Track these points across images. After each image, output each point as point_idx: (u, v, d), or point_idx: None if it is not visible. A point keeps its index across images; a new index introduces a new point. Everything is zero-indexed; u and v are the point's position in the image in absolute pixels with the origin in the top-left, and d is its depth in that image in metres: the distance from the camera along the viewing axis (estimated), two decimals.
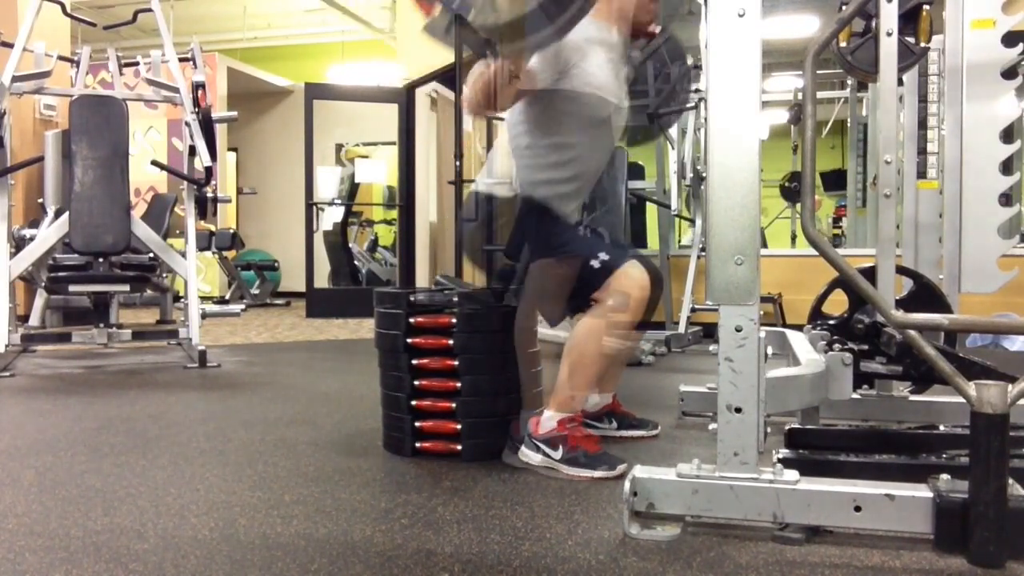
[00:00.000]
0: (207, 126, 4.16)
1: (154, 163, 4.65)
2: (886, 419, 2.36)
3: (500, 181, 2.20)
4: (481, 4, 1.58)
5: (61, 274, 4.12)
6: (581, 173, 2.16)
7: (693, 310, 4.94)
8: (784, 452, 1.81)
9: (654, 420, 2.48)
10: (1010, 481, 1.40)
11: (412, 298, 2.17)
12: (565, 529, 1.59)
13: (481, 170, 2.23)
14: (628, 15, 2.19)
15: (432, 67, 6.60)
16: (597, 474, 1.93)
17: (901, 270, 2.40)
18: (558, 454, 1.98)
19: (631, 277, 1.99)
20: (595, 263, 2.02)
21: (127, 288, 4.12)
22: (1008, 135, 2.17)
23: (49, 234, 4.03)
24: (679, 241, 6.65)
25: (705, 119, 1.63)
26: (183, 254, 4.17)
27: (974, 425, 1.39)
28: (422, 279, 7.22)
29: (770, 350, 2.46)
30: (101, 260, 3.93)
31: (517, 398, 2.14)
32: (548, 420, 2.03)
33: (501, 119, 2.38)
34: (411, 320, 2.16)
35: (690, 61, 5.20)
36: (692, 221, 5.40)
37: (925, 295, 2.35)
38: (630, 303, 1.98)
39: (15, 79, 3.94)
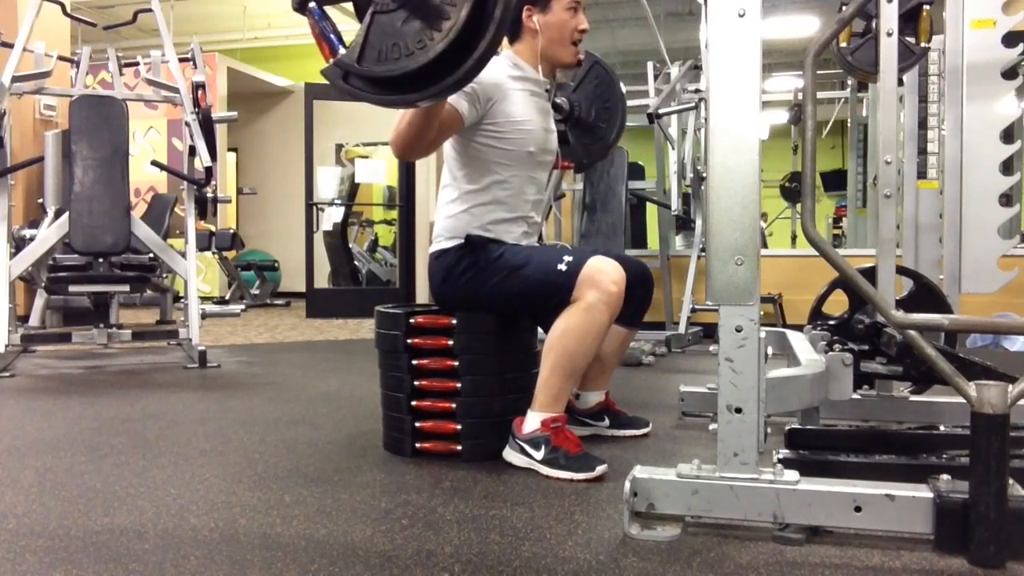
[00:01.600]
0: (207, 126, 4.16)
1: (154, 163, 4.65)
2: (886, 419, 2.36)
3: (443, 238, 2.22)
4: (372, 61, 1.58)
5: (61, 274, 4.12)
6: (519, 205, 2.20)
7: (693, 310, 4.94)
8: (784, 452, 1.81)
9: (646, 418, 2.48)
10: (1010, 481, 1.40)
11: (411, 320, 2.17)
12: (565, 529, 1.59)
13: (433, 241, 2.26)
14: (551, 55, 2.23)
15: None
16: (577, 476, 1.93)
17: (901, 270, 2.41)
18: (539, 454, 1.98)
19: (600, 270, 2.00)
20: (561, 266, 2.03)
21: (127, 288, 4.12)
22: (1008, 135, 2.17)
23: (49, 234, 4.03)
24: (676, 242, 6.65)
25: (705, 119, 1.62)
26: (183, 254, 4.17)
27: (974, 425, 1.39)
28: (422, 280, 7.22)
29: (770, 350, 2.46)
30: (101, 260, 3.93)
31: (517, 398, 2.14)
32: (531, 420, 2.03)
33: None
34: (411, 320, 2.16)
35: (689, 63, 5.22)
36: (692, 221, 5.40)
37: (925, 295, 2.35)
38: (605, 298, 1.98)
39: (15, 79, 3.94)
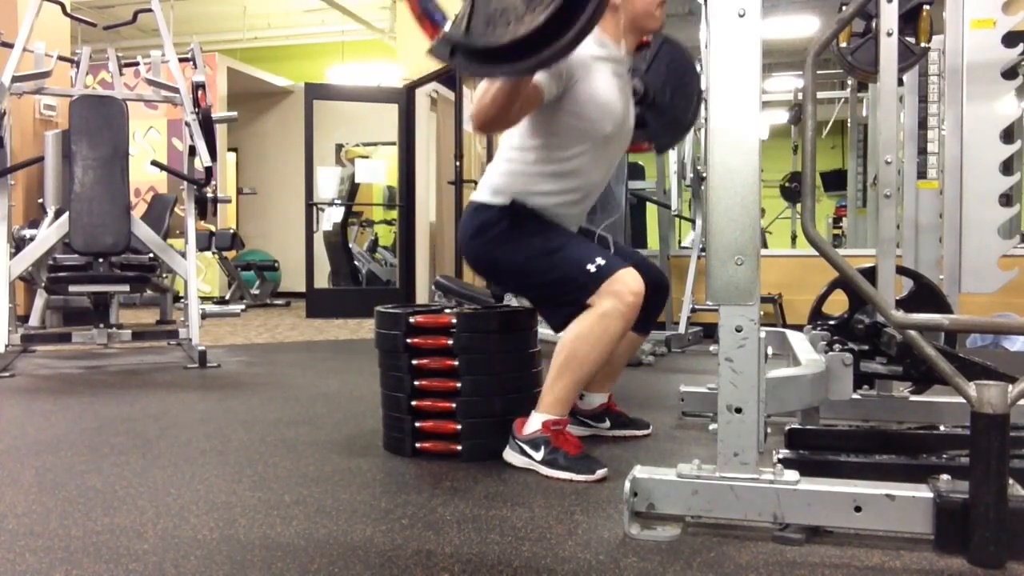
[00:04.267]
0: (207, 126, 4.16)
1: (154, 163, 4.65)
2: (886, 419, 2.36)
3: (489, 190, 2.18)
4: (481, 28, 1.57)
5: (61, 274, 4.12)
6: (581, 186, 2.16)
7: (693, 310, 4.94)
8: (784, 452, 1.81)
9: (647, 419, 2.48)
10: (1010, 481, 1.40)
11: (411, 320, 2.16)
12: (565, 529, 1.59)
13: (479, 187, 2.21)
14: (637, 26, 2.18)
15: (432, 67, 6.61)
16: (576, 477, 1.92)
17: (901, 270, 2.41)
18: (539, 455, 1.98)
19: (626, 283, 1.97)
20: (591, 267, 2.00)
21: (127, 288, 4.12)
22: (1008, 135, 2.17)
23: (49, 234, 4.03)
24: (679, 242, 6.65)
25: (705, 119, 1.63)
26: (183, 254, 4.17)
27: (974, 425, 1.39)
28: (422, 280, 7.22)
29: (770, 350, 2.46)
30: (101, 260, 3.93)
31: (517, 398, 2.14)
32: (533, 421, 2.02)
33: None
34: (411, 320, 2.16)
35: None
36: (693, 221, 5.40)
37: (925, 295, 2.35)
38: (623, 308, 1.96)
39: (15, 79, 3.94)
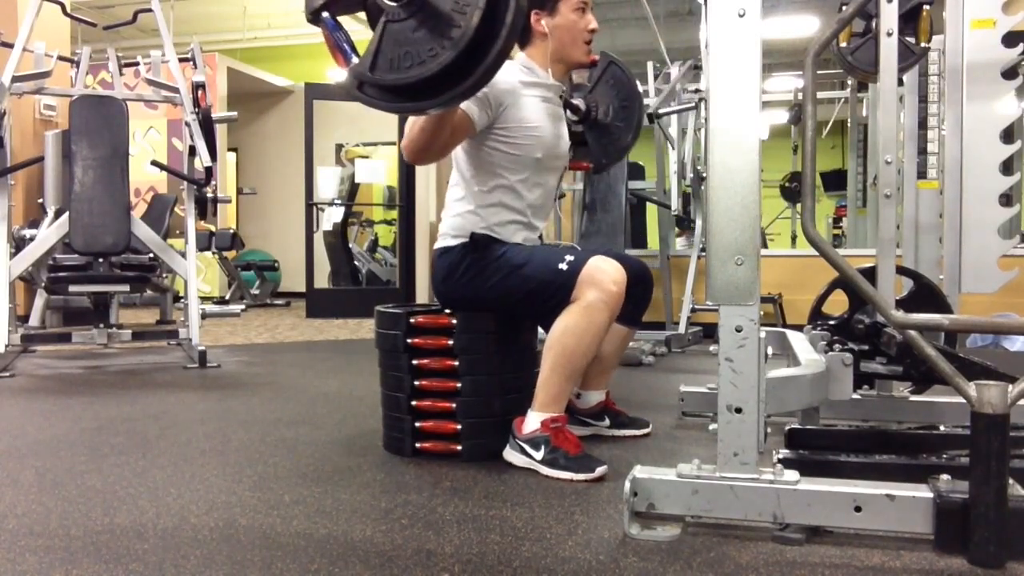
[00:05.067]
0: (207, 126, 4.16)
1: (154, 163, 4.65)
2: (886, 419, 2.36)
3: (449, 236, 2.22)
4: (385, 68, 1.58)
5: (61, 274, 4.12)
6: (526, 208, 2.20)
7: (693, 310, 4.94)
8: (784, 452, 1.81)
9: (646, 419, 2.48)
10: (1010, 481, 1.40)
11: (411, 320, 2.17)
12: (565, 529, 1.59)
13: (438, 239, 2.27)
14: (562, 56, 2.23)
15: None
16: (577, 476, 1.92)
17: (901, 270, 2.41)
18: (539, 454, 1.98)
19: (601, 270, 2.00)
20: (562, 266, 2.03)
21: (127, 288, 4.12)
22: (1008, 135, 2.17)
23: (49, 234, 4.03)
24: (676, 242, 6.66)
25: (705, 119, 1.62)
26: (183, 254, 4.17)
27: (974, 425, 1.39)
28: (423, 280, 7.22)
29: (770, 350, 2.46)
30: (101, 260, 3.93)
31: (517, 398, 2.14)
32: (531, 420, 2.03)
33: None
34: (411, 320, 2.16)
35: (689, 63, 5.22)
36: (691, 221, 5.40)
37: (925, 295, 2.35)
38: (605, 297, 1.98)
39: (15, 79, 3.94)
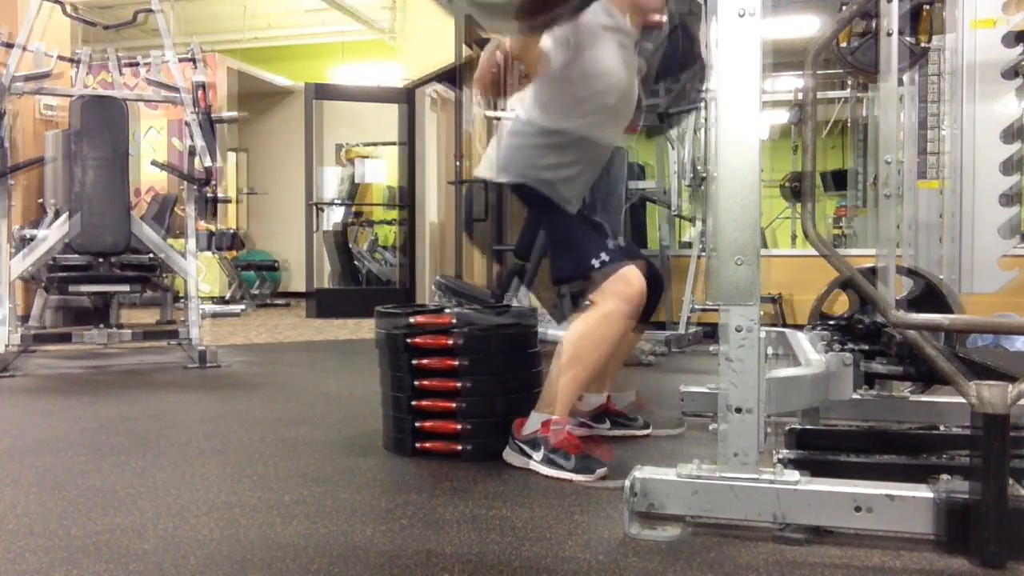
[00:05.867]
0: (209, 126, 4.16)
1: (155, 163, 4.65)
2: (887, 419, 2.36)
3: (496, 167, 2.18)
4: None
5: (62, 274, 4.12)
6: (583, 158, 2.15)
7: (694, 310, 4.94)
8: (785, 452, 1.81)
9: (646, 419, 2.47)
10: (1011, 481, 1.39)
11: (412, 320, 2.16)
12: (566, 529, 1.59)
13: (482, 160, 2.23)
14: (639, 3, 2.15)
15: (433, 67, 6.60)
16: (576, 477, 1.92)
17: (904, 270, 2.40)
18: (538, 455, 1.98)
19: (628, 282, 1.99)
20: (595, 262, 2.01)
21: (128, 288, 4.13)
22: (1009, 136, 2.17)
23: (50, 234, 4.03)
24: (679, 240, 6.65)
25: (706, 119, 1.62)
26: (184, 254, 4.17)
27: (975, 425, 1.39)
28: (425, 279, 7.22)
29: (771, 350, 2.46)
30: (102, 260, 3.93)
31: (519, 398, 2.14)
32: (533, 421, 2.03)
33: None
34: (412, 320, 2.16)
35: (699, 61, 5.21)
36: (692, 220, 5.40)
37: (926, 295, 2.35)
38: (626, 309, 1.98)
39: (15, 79, 3.94)
